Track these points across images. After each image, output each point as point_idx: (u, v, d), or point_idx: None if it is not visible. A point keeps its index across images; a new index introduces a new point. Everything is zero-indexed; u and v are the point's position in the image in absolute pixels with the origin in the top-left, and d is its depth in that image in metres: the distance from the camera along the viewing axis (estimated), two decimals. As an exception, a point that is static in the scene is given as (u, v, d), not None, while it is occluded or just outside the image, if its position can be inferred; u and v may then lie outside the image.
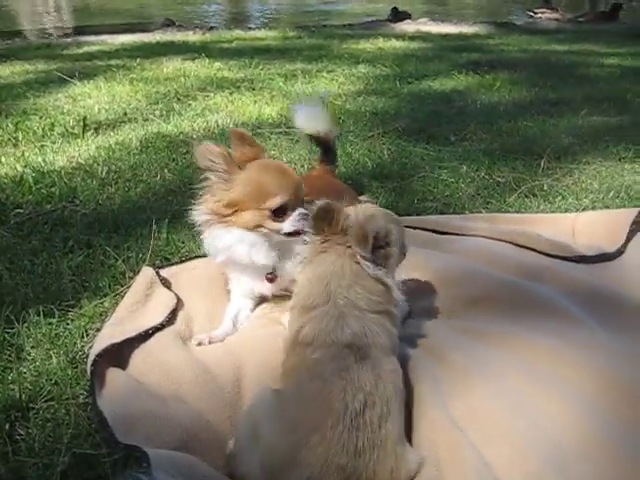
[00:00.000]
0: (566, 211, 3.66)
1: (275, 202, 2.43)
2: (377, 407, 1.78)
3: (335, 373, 1.82)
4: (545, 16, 15.64)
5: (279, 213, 2.45)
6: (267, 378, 2.17)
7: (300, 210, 2.46)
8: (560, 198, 3.85)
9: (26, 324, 2.57)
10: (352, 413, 1.74)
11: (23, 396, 2.19)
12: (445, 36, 10.97)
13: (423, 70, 7.46)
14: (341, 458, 1.69)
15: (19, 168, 4.20)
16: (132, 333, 2.37)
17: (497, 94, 6.46)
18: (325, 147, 3.42)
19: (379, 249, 2.10)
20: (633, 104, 6.18)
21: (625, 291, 2.78)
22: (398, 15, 13.96)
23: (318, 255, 2.12)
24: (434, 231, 3.33)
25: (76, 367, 2.33)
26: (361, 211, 2.18)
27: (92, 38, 10.52)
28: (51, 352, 2.41)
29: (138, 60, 7.91)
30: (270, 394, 1.89)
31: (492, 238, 3.17)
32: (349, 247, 2.08)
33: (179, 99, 5.99)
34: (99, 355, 2.21)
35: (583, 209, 3.69)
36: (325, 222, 2.10)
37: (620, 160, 4.56)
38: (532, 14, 16.27)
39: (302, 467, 1.69)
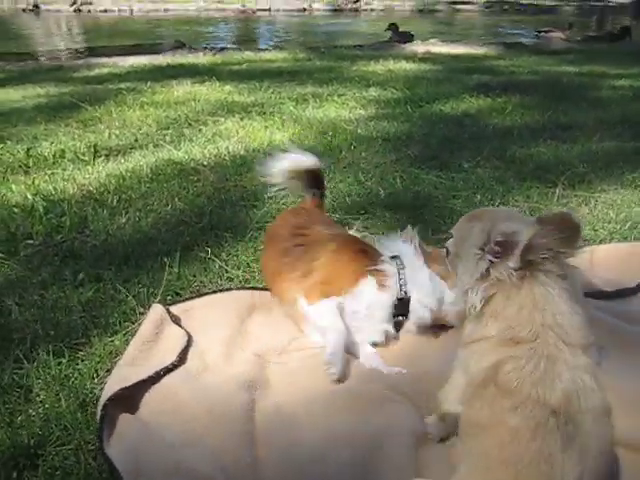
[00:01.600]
0: (583, 242, 3.60)
1: None
2: None
3: (535, 463, 1.56)
4: (553, 35, 15.63)
5: None
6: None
7: None
8: (577, 229, 3.78)
9: (35, 364, 2.53)
10: None
11: (32, 442, 2.14)
12: (455, 57, 10.95)
13: (434, 93, 7.42)
14: None
15: (29, 196, 4.17)
16: (143, 375, 2.32)
17: (509, 118, 6.41)
18: (314, 181, 3.33)
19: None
20: (647, 128, 6.13)
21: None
22: (400, 35, 13.97)
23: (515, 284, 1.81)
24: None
25: (86, 410, 2.28)
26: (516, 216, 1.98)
27: (103, 60, 10.54)
28: (61, 394, 2.36)
29: (149, 83, 7.91)
30: None
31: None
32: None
33: (190, 124, 5.97)
34: (110, 399, 2.16)
35: (600, 241, 3.63)
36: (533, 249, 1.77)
37: (636, 188, 4.50)
38: (538, 34, 16.32)
39: None
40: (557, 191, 4.32)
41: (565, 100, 7.23)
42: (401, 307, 2.64)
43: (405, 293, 2.63)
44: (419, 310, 2.65)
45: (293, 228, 2.99)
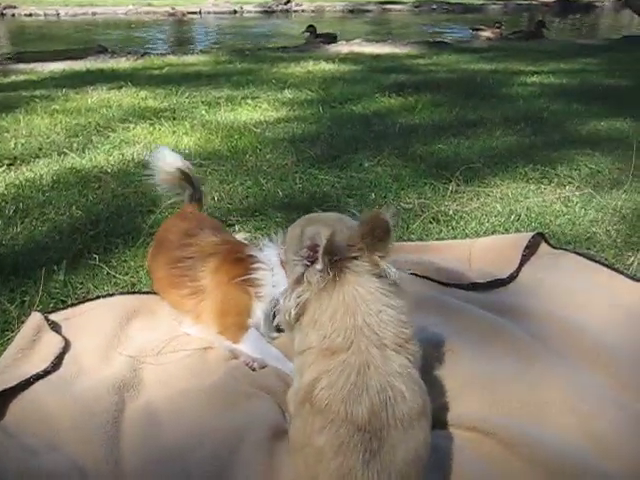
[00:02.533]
0: (467, 236, 3.75)
1: None
2: None
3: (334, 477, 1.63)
4: (484, 34, 15.97)
5: None
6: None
7: None
8: (463, 223, 3.94)
9: None
10: None
11: None
12: (376, 57, 11.10)
13: (348, 94, 7.54)
14: None
15: None
16: (12, 382, 2.35)
17: (418, 116, 6.58)
18: (189, 184, 3.36)
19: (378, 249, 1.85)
20: (548, 123, 6.37)
21: (511, 317, 2.85)
22: (323, 36, 14.07)
23: (329, 284, 1.82)
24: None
25: (-48, 421, 2.30)
26: (336, 219, 2.00)
27: (21, 66, 10.34)
28: None
29: (64, 90, 7.81)
30: None
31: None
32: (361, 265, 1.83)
33: (99, 131, 5.94)
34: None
35: (484, 233, 3.79)
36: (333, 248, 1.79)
37: (528, 181, 4.70)
38: (472, 32, 16.69)
39: None
40: (450, 187, 4.48)
41: (475, 97, 7.44)
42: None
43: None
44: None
45: (182, 235, 3.01)
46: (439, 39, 15.30)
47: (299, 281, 1.86)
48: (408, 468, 1.66)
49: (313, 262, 1.81)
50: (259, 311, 2.73)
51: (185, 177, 3.32)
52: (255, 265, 2.75)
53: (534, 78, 8.96)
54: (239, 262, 2.78)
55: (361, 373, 1.71)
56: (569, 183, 4.67)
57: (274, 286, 2.69)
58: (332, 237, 1.75)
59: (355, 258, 1.82)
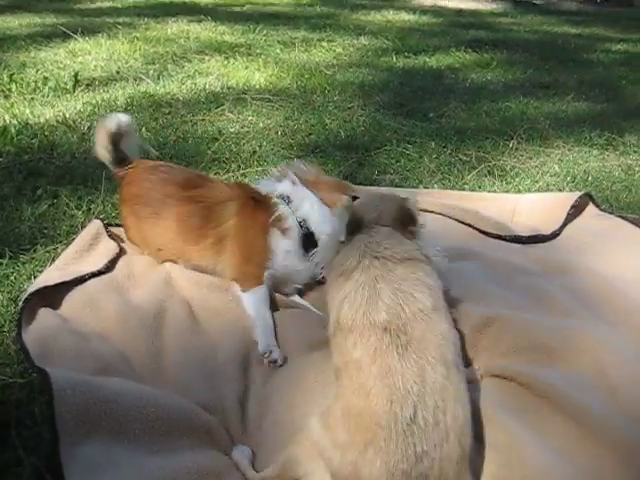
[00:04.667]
0: (519, 192, 3.79)
1: None
2: (429, 405, 1.69)
3: (378, 381, 1.72)
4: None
5: None
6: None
7: None
8: (517, 179, 3.97)
9: (-22, 263, 2.78)
10: (402, 423, 1.65)
11: (-37, 324, 2.41)
12: (459, 12, 10.94)
13: (424, 45, 7.52)
14: (403, 464, 1.63)
15: (6, 118, 4.38)
16: (68, 277, 2.57)
17: (491, 74, 6.52)
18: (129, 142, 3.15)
19: (408, 229, 2.20)
20: (624, 91, 6.24)
21: (549, 272, 2.91)
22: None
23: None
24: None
25: (17, 305, 2.53)
26: (380, 198, 2.38)
27: (108, -7, 10.61)
28: (-3, 289, 2.62)
29: (145, 19, 8.04)
30: (317, 422, 1.82)
31: (435, 212, 3.31)
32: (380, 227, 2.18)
33: (175, 61, 6.13)
34: (32, 294, 2.41)
35: (536, 190, 3.82)
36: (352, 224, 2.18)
37: (591, 146, 4.65)
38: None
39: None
40: (511, 144, 4.49)
41: (553, 60, 7.31)
42: (308, 242, 2.74)
43: (307, 229, 2.73)
44: (324, 240, 2.71)
45: (180, 188, 2.86)
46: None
47: None
48: (443, 350, 1.80)
49: None
50: (285, 247, 2.71)
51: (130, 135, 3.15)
52: (274, 202, 2.74)
53: (619, 46, 8.70)
54: (258, 204, 2.75)
55: (372, 286, 1.93)
56: (634, 152, 4.61)
57: (296, 213, 2.72)
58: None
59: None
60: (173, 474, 1.77)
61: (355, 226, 2.17)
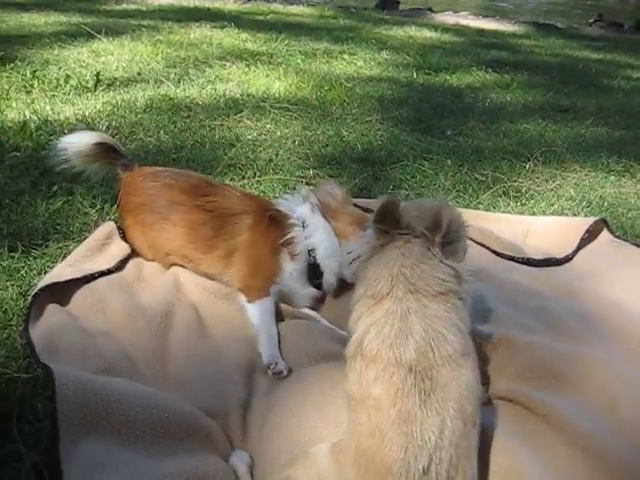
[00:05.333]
0: (533, 214, 3.78)
1: None
2: (444, 459, 1.66)
3: (395, 426, 1.67)
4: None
5: None
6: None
7: None
8: (532, 202, 3.95)
9: (-10, 256, 2.79)
10: (415, 474, 1.62)
11: (-27, 319, 2.41)
12: (481, 31, 10.93)
13: (445, 63, 7.51)
14: None
15: (26, 114, 4.41)
16: (78, 274, 2.58)
17: (510, 95, 6.50)
18: (116, 154, 3.12)
19: (447, 243, 2.02)
20: (644, 119, 6.20)
21: (556, 297, 2.89)
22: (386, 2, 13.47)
23: (379, 249, 2.05)
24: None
25: (27, 300, 2.53)
26: (425, 203, 2.25)
27: (135, -4, 10.70)
28: (8, 283, 2.62)
29: (169, 23, 8.10)
30: (327, 453, 1.79)
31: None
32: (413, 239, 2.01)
33: (196, 65, 6.17)
34: (41, 289, 2.42)
35: (551, 214, 3.80)
36: (387, 218, 2.02)
37: (608, 172, 4.63)
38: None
39: None
40: (528, 165, 4.47)
41: (573, 84, 7.28)
42: (312, 272, 2.75)
43: (314, 258, 2.73)
44: (327, 274, 2.75)
45: (191, 195, 2.83)
46: (550, 21, 14.84)
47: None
48: (464, 404, 1.74)
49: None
50: (290, 270, 2.70)
51: (107, 148, 3.09)
52: (289, 223, 2.73)
53: (640, 73, 8.66)
54: (273, 221, 2.74)
55: (403, 319, 1.83)
56: (652, 180, 4.59)
57: (307, 240, 2.71)
58: (387, 208, 1.99)
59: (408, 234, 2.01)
60: (171, 478, 1.76)
61: (392, 224, 2.02)
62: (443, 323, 1.85)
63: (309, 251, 2.71)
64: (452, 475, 1.65)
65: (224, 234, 2.73)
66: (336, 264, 2.70)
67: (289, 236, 2.69)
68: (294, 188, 3.64)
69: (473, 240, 3.23)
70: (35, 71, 5.28)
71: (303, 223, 2.74)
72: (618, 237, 3.45)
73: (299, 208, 2.79)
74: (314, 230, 2.73)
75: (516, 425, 2.11)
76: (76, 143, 3.07)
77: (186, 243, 2.80)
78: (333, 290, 2.80)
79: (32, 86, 5.04)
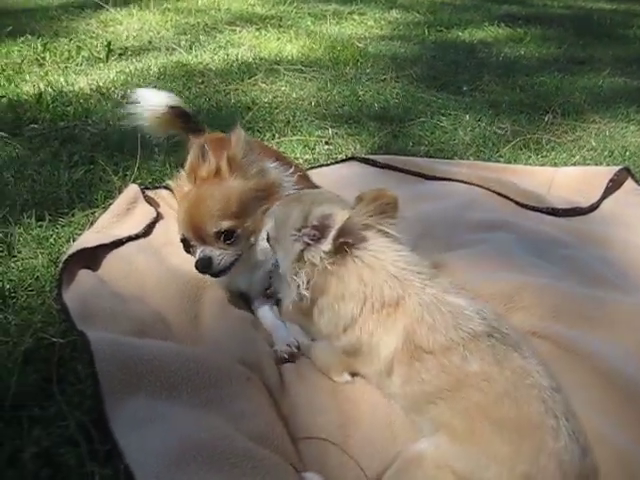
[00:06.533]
0: (555, 165, 3.74)
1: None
2: (558, 401, 1.65)
3: (519, 383, 1.67)
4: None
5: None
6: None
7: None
8: (553, 153, 3.92)
9: (20, 226, 2.81)
10: (562, 419, 1.60)
11: (8, 286, 2.43)
12: (491, -14, 10.74)
13: (456, 19, 7.40)
14: (573, 463, 1.57)
15: (41, 86, 4.41)
16: (106, 240, 2.59)
17: (524, 49, 6.41)
18: (185, 119, 3.13)
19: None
20: (661, 69, 6.11)
21: (584, 246, 2.88)
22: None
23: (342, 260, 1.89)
24: (419, 174, 3.45)
25: (57, 266, 2.55)
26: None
27: (138, -35, 10.58)
28: (38, 252, 2.65)
29: (176, -10, 8.00)
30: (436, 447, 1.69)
31: (470, 183, 3.29)
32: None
33: (206, 31, 6.12)
34: (71, 256, 2.44)
35: (573, 164, 3.77)
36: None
37: (629, 122, 4.57)
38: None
39: None
40: (547, 118, 4.43)
41: (588, 35, 7.16)
42: None
43: None
44: None
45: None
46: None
47: (299, 259, 1.89)
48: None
49: (316, 241, 1.85)
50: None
51: (180, 113, 3.09)
52: None
53: (656, 22, 8.50)
54: None
55: (438, 304, 1.80)
56: (673, 129, 4.53)
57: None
58: (349, 221, 1.82)
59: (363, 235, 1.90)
60: (220, 425, 1.78)
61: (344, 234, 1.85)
62: (457, 296, 1.86)
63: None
64: (566, 412, 1.64)
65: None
66: None
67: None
68: (314, 148, 3.63)
69: (496, 192, 3.23)
70: (46, 44, 5.27)
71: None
72: (641, 185, 3.42)
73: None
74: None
75: (550, 361, 2.12)
76: (151, 107, 3.07)
77: None
78: None
79: (44, 59, 5.04)
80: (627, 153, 3.98)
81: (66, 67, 4.88)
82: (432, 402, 1.76)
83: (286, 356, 2.18)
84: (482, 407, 1.66)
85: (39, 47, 5.20)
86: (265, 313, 2.42)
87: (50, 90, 4.35)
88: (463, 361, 1.71)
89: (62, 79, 4.60)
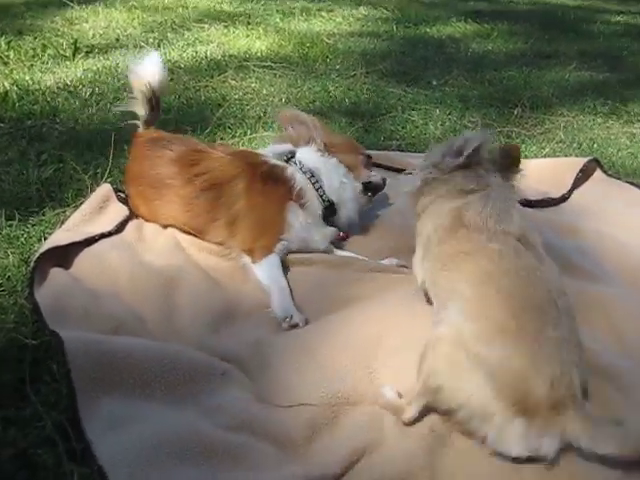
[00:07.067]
0: (525, 158, 3.77)
1: None
2: (561, 294, 1.86)
3: (526, 272, 1.88)
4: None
5: None
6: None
7: None
8: (523, 146, 3.95)
9: (-12, 225, 2.76)
10: (553, 300, 1.80)
11: (-23, 288, 2.39)
12: (458, -17, 10.82)
13: (424, 15, 7.44)
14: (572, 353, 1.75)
15: (6, 85, 4.33)
16: (78, 238, 2.56)
17: (491, 44, 6.48)
18: (151, 105, 3.03)
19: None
20: (626, 62, 6.23)
21: (558, 236, 2.91)
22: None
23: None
24: (391, 168, 3.45)
25: (29, 266, 2.51)
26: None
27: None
28: (8, 251, 2.59)
29: (142, -12, 7.91)
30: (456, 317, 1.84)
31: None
32: None
33: (174, 29, 6.06)
34: (42, 254, 2.40)
35: (543, 157, 3.82)
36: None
37: (595, 115, 4.65)
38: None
39: (544, 372, 1.68)
40: (516, 111, 4.47)
41: (554, 31, 7.25)
42: (329, 212, 2.74)
43: (327, 200, 2.71)
44: (346, 210, 2.76)
45: (183, 165, 2.74)
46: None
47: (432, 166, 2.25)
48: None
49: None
50: (302, 220, 2.66)
51: (151, 96, 2.99)
52: (287, 175, 2.68)
53: (619, 18, 8.65)
54: (268, 178, 2.67)
55: (504, 203, 2.08)
56: (638, 121, 4.61)
57: (316, 184, 2.69)
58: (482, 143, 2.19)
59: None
60: (195, 420, 1.77)
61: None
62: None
63: (321, 196, 2.70)
64: (568, 310, 1.84)
65: (221, 204, 2.66)
66: (351, 197, 2.75)
67: (296, 190, 2.65)
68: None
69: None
70: (10, 42, 5.16)
71: (302, 168, 2.71)
72: (610, 175, 3.47)
73: (298, 153, 2.76)
74: (320, 171, 2.70)
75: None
76: (141, 70, 3.03)
77: (186, 219, 2.75)
78: (356, 225, 2.83)
79: (8, 57, 4.93)
80: (595, 145, 4.05)
81: (32, 65, 4.79)
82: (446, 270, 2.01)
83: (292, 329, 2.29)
84: (491, 275, 1.88)
85: (3, 45, 5.09)
86: (268, 273, 2.52)
87: (16, 89, 4.26)
88: (488, 240, 1.95)
89: (28, 77, 4.52)
